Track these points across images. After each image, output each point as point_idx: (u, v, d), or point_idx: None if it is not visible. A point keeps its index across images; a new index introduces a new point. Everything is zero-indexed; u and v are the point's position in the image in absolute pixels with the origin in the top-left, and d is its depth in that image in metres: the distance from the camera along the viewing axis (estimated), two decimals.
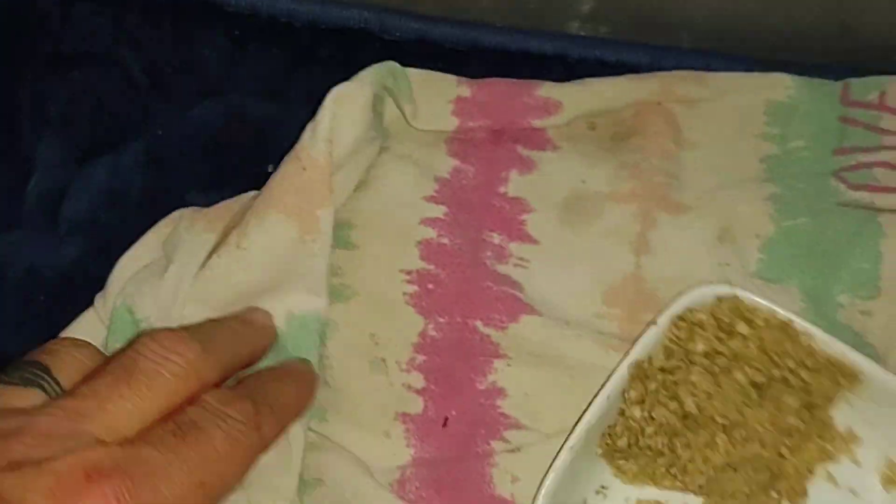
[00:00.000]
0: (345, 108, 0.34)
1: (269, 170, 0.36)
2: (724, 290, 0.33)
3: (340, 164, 0.34)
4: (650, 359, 0.33)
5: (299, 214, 0.33)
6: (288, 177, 0.32)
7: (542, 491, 0.31)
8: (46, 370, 0.25)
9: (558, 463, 0.31)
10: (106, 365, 0.24)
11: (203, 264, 0.33)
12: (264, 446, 0.26)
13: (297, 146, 0.33)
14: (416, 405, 0.34)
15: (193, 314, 0.31)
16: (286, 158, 0.33)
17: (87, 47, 0.40)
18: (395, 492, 0.32)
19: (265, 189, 0.33)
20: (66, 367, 0.25)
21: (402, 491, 0.32)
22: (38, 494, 0.20)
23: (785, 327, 0.32)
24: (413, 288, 0.35)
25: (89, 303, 0.35)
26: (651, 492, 0.34)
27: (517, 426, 0.34)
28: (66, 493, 0.20)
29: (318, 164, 0.32)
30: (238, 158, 0.38)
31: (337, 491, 0.33)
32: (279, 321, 0.32)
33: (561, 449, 0.31)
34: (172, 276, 0.32)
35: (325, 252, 0.33)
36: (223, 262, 0.32)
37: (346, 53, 0.40)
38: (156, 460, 0.22)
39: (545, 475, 0.31)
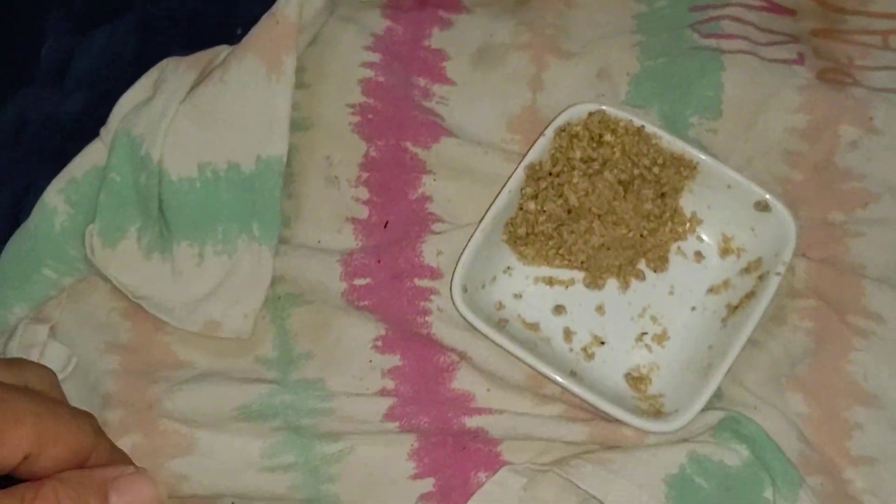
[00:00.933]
0: None
1: (238, 32, 0.45)
2: (593, 106, 0.42)
3: (305, 25, 0.43)
4: (541, 163, 0.42)
5: (269, 58, 0.42)
6: (264, 28, 0.41)
7: (461, 261, 0.41)
8: None
9: (472, 242, 0.41)
10: None
11: (187, 94, 0.41)
12: None
13: (274, 6, 0.42)
14: (363, 212, 0.44)
15: (184, 128, 0.41)
16: (265, 15, 0.42)
17: None
18: (343, 264, 0.42)
19: (246, 39, 0.42)
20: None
21: (348, 264, 0.42)
22: None
23: (639, 132, 0.42)
24: (356, 118, 0.44)
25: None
26: (545, 270, 0.43)
27: (441, 221, 0.43)
28: None
29: (289, 21, 0.41)
30: (213, 25, 0.47)
31: (296, 276, 0.42)
32: (249, 163, 0.41)
33: (474, 232, 0.41)
34: (161, 100, 0.41)
35: (286, 92, 0.42)
36: (208, 90, 0.41)
37: None
38: None
39: (462, 250, 0.41)
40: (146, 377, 0.39)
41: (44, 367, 0.30)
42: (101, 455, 0.26)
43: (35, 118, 0.46)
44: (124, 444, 0.38)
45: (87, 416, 0.26)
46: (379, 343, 0.41)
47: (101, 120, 0.43)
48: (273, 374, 0.41)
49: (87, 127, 0.44)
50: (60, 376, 0.38)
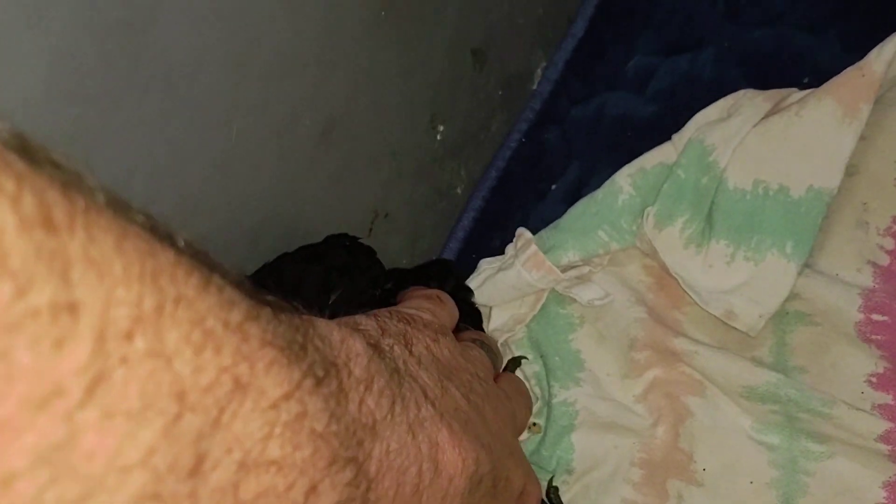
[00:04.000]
0: None
1: (805, 81, 0.51)
2: None
3: (886, 81, 0.48)
4: None
5: (847, 103, 0.47)
6: (848, 77, 0.47)
7: None
8: None
9: None
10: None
11: (760, 120, 0.48)
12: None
13: (864, 60, 0.47)
14: (885, 259, 0.47)
15: (752, 147, 0.47)
16: (852, 67, 0.47)
17: None
18: (863, 297, 0.45)
19: (827, 84, 0.48)
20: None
21: (868, 299, 0.45)
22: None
23: None
24: None
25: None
26: None
27: None
28: None
29: (874, 74, 0.46)
30: (782, 69, 0.53)
31: (813, 298, 0.47)
32: (800, 189, 0.47)
33: None
34: (737, 121, 0.48)
35: (855, 135, 0.47)
36: (782, 120, 0.47)
37: None
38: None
39: None
40: (668, 332, 0.47)
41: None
42: None
43: (613, 115, 0.56)
44: (646, 377, 0.46)
45: None
46: (874, 379, 0.44)
47: (671, 127, 0.52)
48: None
49: (655, 130, 0.53)
50: (600, 303, 0.48)
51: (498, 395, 0.33)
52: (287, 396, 0.19)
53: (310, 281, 0.40)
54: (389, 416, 0.24)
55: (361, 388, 0.23)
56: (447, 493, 0.26)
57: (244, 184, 0.38)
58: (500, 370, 0.36)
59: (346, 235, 0.45)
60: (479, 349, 0.34)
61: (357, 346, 0.24)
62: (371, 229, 0.48)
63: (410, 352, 0.28)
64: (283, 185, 0.41)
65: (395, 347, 0.28)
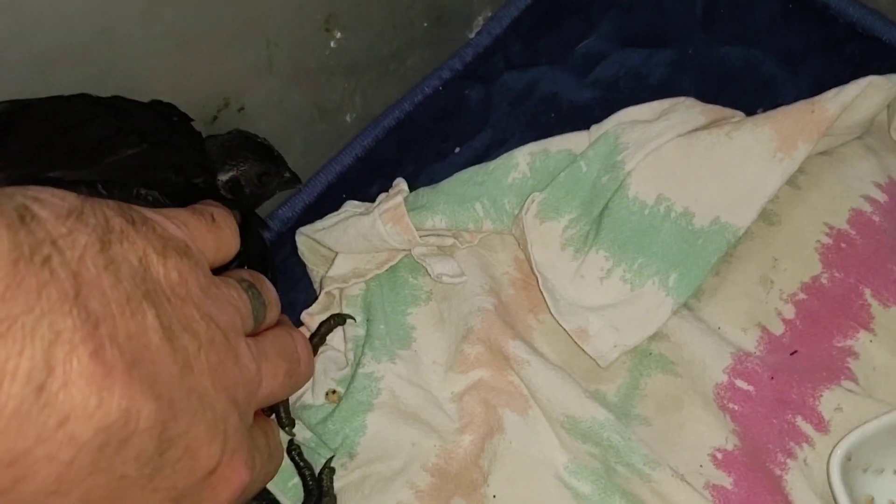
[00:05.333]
0: (871, 94, 0.40)
1: (759, 111, 0.44)
2: None
3: (833, 130, 0.41)
4: None
5: (785, 137, 0.40)
6: (796, 111, 0.40)
7: (861, 430, 0.35)
8: None
9: (885, 420, 0.35)
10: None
11: (688, 132, 0.41)
12: None
13: (819, 96, 0.40)
14: (778, 328, 0.40)
15: (667, 158, 0.41)
16: (804, 101, 0.40)
17: None
18: (734, 359, 0.39)
19: (771, 112, 0.41)
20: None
21: (739, 362, 0.39)
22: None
23: None
24: (828, 240, 0.41)
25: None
26: None
27: (855, 381, 0.38)
28: None
29: (826, 115, 0.40)
30: (735, 95, 0.47)
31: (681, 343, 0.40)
32: (704, 219, 0.40)
33: (890, 413, 0.36)
34: (661, 125, 0.42)
35: (783, 175, 0.40)
36: (710, 138, 0.41)
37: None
38: None
39: (867, 422, 0.36)
40: (508, 333, 0.40)
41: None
42: None
43: (544, 91, 0.49)
44: (472, 376, 0.40)
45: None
46: (719, 455, 0.38)
47: (599, 119, 0.45)
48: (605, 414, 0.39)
49: (582, 118, 0.46)
50: (450, 281, 0.41)
51: (235, 351, 0.25)
52: None
53: (93, 129, 0.33)
54: None
55: None
56: (52, 438, 0.19)
57: None
58: (269, 325, 0.28)
59: (175, 109, 0.38)
60: (241, 291, 0.27)
61: None
62: (216, 118, 0.41)
63: (102, 249, 0.21)
64: (105, 18, 0.34)
65: (78, 235, 0.21)
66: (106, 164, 0.33)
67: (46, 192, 0.22)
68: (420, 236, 0.43)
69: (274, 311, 0.29)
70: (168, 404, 0.21)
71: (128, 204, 0.24)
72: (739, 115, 0.43)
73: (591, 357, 0.40)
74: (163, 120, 0.37)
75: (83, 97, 0.33)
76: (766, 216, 0.42)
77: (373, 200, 0.45)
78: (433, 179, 0.47)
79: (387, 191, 0.46)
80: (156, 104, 0.37)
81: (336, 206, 0.46)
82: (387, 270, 0.44)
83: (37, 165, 0.31)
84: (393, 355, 0.41)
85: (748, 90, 0.47)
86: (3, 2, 0.32)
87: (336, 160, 0.49)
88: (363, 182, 0.49)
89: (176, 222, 0.26)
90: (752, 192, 0.40)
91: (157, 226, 0.25)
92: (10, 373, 0.18)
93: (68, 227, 0.21)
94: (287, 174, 0.41)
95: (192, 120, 0.38)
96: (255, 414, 0.27)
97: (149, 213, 0.25)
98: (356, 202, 0.46)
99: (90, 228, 0.21)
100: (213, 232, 0.27)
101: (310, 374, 0.29)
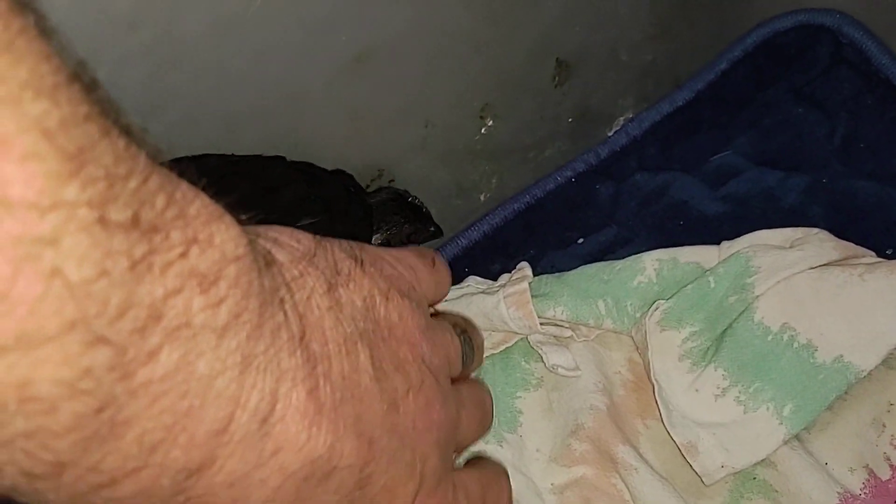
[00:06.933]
0: None
1: (888, 252, 0.45)
2: None
3: None
4: None
5: None
6: None
7: None
8: None
9: None
10: None
11: (820, 266, 0.42)
12: None
13: None
14: (886, 472, 0.40)
15: (797, 287, 0.41)
16: None
17: None
18: (840, 499, 0.39)
19: None
20: None
21: (843, 501, 0.39)
22: None
23: None
24: None
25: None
26: None
27: None
28: None
29: None
30: (865, 232, 0.47)
31: (788, 475, 0.40)
32: (827, 355, 0.41)
33: None
34: (795, 255, 0.42)
35: None
36: (842, 276, 0.41)
37: None
38: None
39: None
40: (618, 436, 0.41)
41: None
42: None
43: (675, 198, 0.50)
44: (574, 471, 0.41)
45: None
46: None
47: (727, 235, 0.45)
48: None
49: (709, 231, 0.48)
50: (564, 374, 0.43)
51: (442, 394, 0.26)
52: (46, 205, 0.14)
53: (287, 193, 0.35)
54: (213, 334, 0.19)
55: (193, 282, 0.18)
56: (266, 465, 0.20)
57: (254, 61, 0.34)
58: (473, 370, 0.29)
59: (353, 180, 0.40)
60: (454, 335, 0.28)
61: (222, 237, 0.19)
62: (368, 186, 0.43)
63: (328, 291, 0.23)
64: (294, 85, 0.36)
65: (308, 278, 0.22)
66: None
67: (285, 235, 0.23)
68: (540, 324, 0.44)
69: (479, 356, 0.31)
70: (368, 443, 0.23)
71: (360, 244, 0.25)
72: (871, 255, 0.44)
73: (696, 472, 0.40)
74: (343, 190, 0.39)
75: (279, 160, 0.36)
76: (887, 360, 0.42)
77: (493, 278, 0.47)
78: (554, 266, 0.48)
79: (508, 270, 0.47)
80: (338, 173, 0.40)
81: (458, 279, 0.48)
82: (501, 351, 0.45)
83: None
84: (501, 438, 0.42)
85: (879, 228, 0.48)
86: (210, 64, 0.34)
87: (463, 234, 0.50)
88: (486, 259, 0.50)
89: (400, 262, 0.27)
90: (880, 336, 0.40)
91: (387, 266, 0.26)
92: (242, 404, 0.19)
93: (300, 269, 0.22)
94: (432, 228, 0.44)
95: (367, 192, 0.40)
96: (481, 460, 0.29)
97: (381, 252, 0.27)
98: (479, 278, 0.48)
99: (319, 271, 0.23)
100: (433, 275, 0.28)
101: (490, 427, 0.31)
